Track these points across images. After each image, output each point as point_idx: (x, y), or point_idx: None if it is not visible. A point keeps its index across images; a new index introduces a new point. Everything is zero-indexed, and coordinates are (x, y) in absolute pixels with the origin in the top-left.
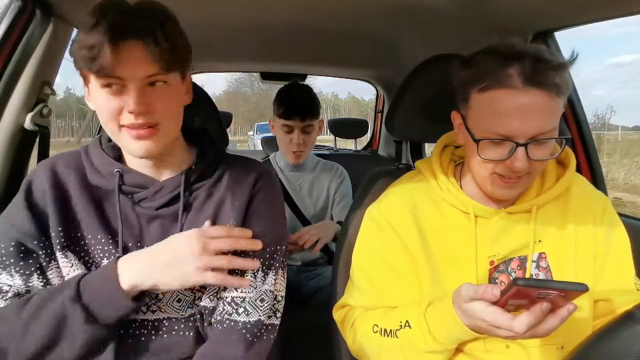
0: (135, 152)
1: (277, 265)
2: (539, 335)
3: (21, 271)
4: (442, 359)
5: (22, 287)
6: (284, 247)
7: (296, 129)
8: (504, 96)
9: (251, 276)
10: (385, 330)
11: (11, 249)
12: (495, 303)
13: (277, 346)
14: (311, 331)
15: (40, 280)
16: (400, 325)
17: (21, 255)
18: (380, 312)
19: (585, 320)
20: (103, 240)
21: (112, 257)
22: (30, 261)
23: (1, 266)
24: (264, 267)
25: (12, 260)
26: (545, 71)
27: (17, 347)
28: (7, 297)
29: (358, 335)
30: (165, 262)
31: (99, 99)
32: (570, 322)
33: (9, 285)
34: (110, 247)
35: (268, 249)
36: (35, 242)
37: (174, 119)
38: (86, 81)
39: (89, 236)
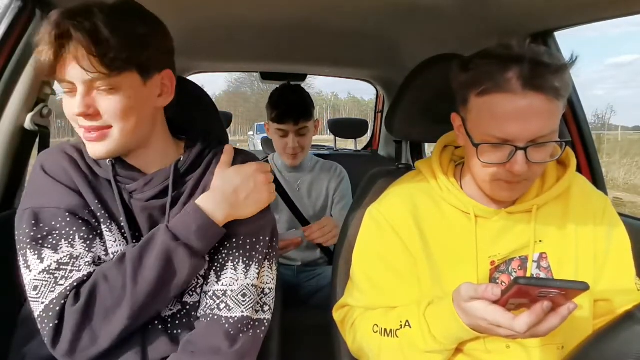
0: (90, 153)
1: (260, 257)
2: (539, 335)
3: (85, 236)
4: (442, 359)
5: (88, 255)
6: (267, 238)
7: (291, 132)
8: (502, 100)
9: (231, 269)
10: (385, 330)
11: (68, 219)
12: (495, 302)
13: (277, 346)
14: (311, 331)
15: (102, 247)
16: (400, 325)
17: (80, 221)
18: (380, 312)
19: (586, 320)
20: (110, 226)
21: (118, 242)
22: (89, 227)
23: (64, 238)
24: (245, 259)
25: (74, 229)
26: (544, 75)
27: (131, 295)
28: (80, 266)
29: (358, 335)
30: (246, 196)
31: (63, 101)
32: (570, 322)
33: (73, 256)
34: (116, 233)
35: (248, 240)
36: (86, 212)
37: (129, 122)
38: None
39: (101, 220)
